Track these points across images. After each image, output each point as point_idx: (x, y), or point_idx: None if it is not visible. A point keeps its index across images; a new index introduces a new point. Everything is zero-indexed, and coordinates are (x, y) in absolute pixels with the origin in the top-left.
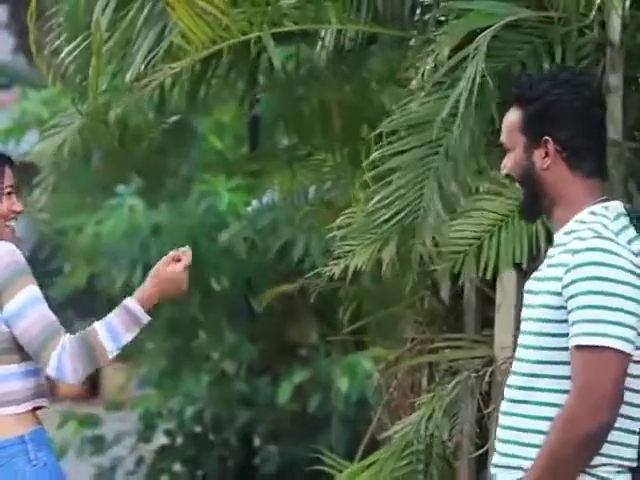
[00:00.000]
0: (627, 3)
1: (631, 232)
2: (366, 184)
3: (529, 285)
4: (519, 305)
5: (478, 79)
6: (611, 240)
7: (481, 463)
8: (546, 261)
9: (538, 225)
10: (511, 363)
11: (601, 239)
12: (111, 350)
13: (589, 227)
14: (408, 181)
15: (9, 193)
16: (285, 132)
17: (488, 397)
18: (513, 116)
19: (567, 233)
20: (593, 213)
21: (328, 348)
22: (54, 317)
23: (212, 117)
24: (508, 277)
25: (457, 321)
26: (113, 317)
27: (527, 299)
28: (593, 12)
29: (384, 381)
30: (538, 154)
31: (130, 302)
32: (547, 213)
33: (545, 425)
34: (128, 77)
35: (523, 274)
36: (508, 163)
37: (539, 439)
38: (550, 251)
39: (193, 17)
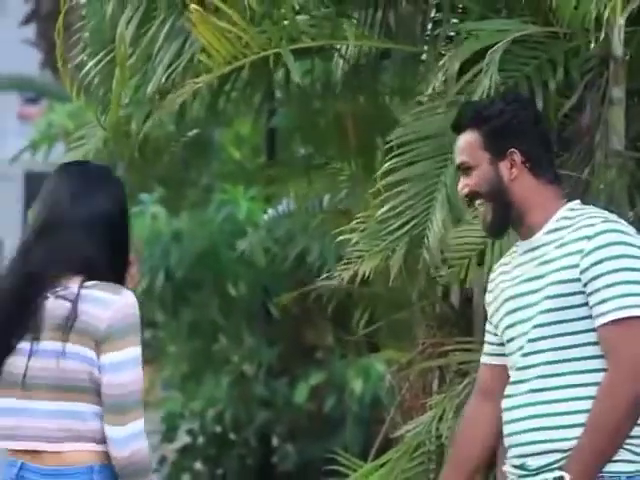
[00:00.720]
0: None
1: None
2: (378, 192)
3: (519, 289)
4: None
5: (492, 92)
6: (619, 222)
7: (490, 462)
8: (528, 266)
9: None
10: None
11: (610, 222)
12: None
13: (589, 215)
14: (418, 192)
15: None
16: (301, 143)
17: None
18: (469, 137)
19: (551, 231)
20: (572, 209)
21: (343, 351)
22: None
23: (231, 129)
24: None
25: (467, 325)
26: None
27: (521, 301)
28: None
29: (397, 383)
30: (504, 166)
31: None
32: (515, 223)
33: (572, 405)
34: (149, 90)
35: None
36: (471, 182)
37: (568, 420)
38: (529, 255)
39: (215, 34)
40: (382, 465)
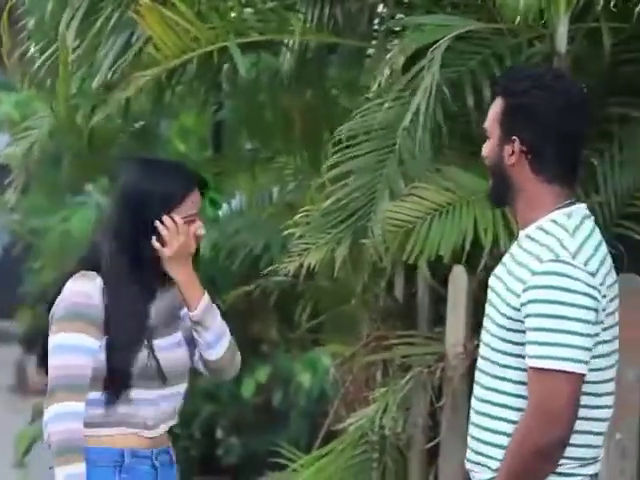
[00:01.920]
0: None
1: (591, 245)
2: (324, 186)
3: (492, 282)
4: (470, 304)
5: (433, 88)
6: (567, 263)
7: (432, 454)
8: (507, 259)
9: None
10: (462, 360)
11: (558, 263)
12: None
13: (548, 244)
14: (361, 185)
15: (192, 221)
16: (248, 136)
17: (439, 392)
18: (496, 105)
19: (528, 237)
20: (554, 222)
21: (287, 345)
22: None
23: (177, 122)
24: (459, 275)
25: (410, 319)
26: None
27: (490, 296)
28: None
29: (340, 376)
30: (507, 149)
31: None
32: (511, 205)
33: (506, 427)
34: (95, 83)
35: (474, 273)
36: (485, 149)
37: (501, 439)
38: (512, 248)
39: (163, 27)
40: (324, 456)
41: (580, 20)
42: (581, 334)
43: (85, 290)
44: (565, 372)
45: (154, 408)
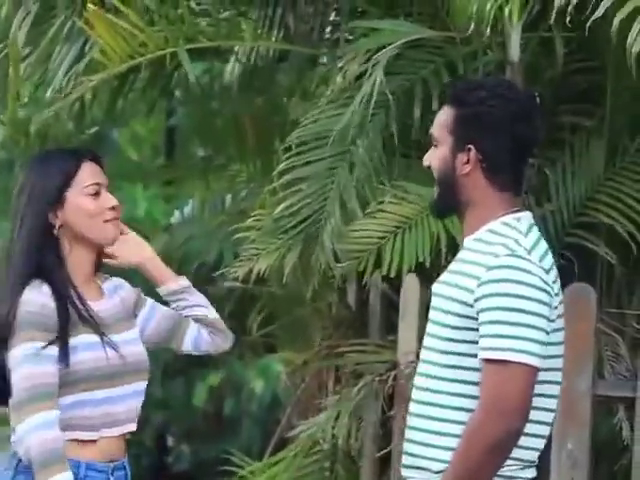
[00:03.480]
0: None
1: (542, 246)
2: (275, 191)
3: (436, 288)
4: (422, 312)
5: (374, 94)
6: (523, 258)
7: (384, 463)
8: (454, 265)
9: (440, 229)
10: (414, 368)
11: (514, 257)
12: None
13: (503, 243)
14: (313, 191)
15: (96, 193)
16: (199, 143)
17: (391, 400)
18: (445, 114)
19: (477, 240)
20: (505, 224)
21: (240, 351)
22: None
23: (128, 128)
24: (411, 284)
25: (363, 327)
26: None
27: (434, 301)
28: (498, 34)
29: (292, 383)
30: (460, 158)
31: None
32: (459, 214)
33: (451, 428)
34: (49, 91)
35: (426, 282)
36: (432, 158)
37: (445, 441)
38: (459, 254)
39: (111, 33)
40: (276, 463)
41: (532, 29)
42: (537, 328)
43: (34, 299)
44: (521, 364)
45: (112, 407)
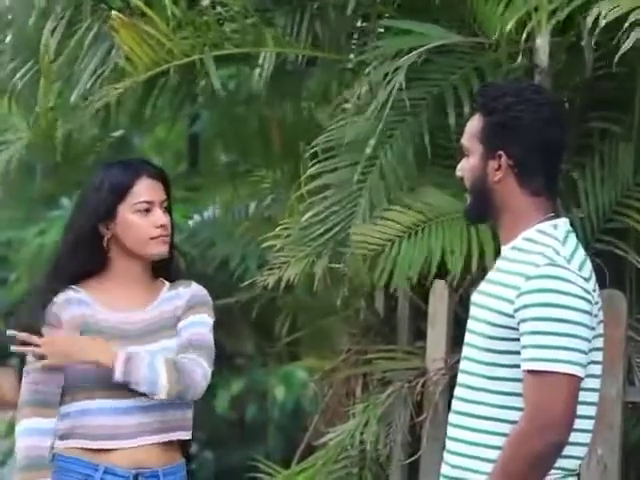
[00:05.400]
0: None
1: (581, 254)
2: (302, 198)
3: (475, 297)
4: (450, 318)
5: (403, 99)
6: (563, 267)
7: (412, 469)
8: (492, 274)
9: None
10: (443, 375)
11: (554, 267)
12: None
13: (541, 252)
14: (342, 198)
15: (147, 210)
16: (224, 149)
17: (420, 407)
18: (475, 123)
19: (514, 249)
20: (542, 232)
21: (264, 359)
22: None
23: (152, 134)
24: (440, 291)
25: (391, 333)
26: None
27: (473, 311)
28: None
29: (320, 390)
30: (491, 166)
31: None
32: (495, 222)
33: (490, 439)
34: (74, 96)
35: (455, 289)
36: (465, 166)
37: (489, 453)
38: (498, 263)
39: (137, 40)
40: (303, 470)
41: (561, 34)
42: (579, 337)
43: (52, 309)
44: (564, 374)
45: (127, 418)
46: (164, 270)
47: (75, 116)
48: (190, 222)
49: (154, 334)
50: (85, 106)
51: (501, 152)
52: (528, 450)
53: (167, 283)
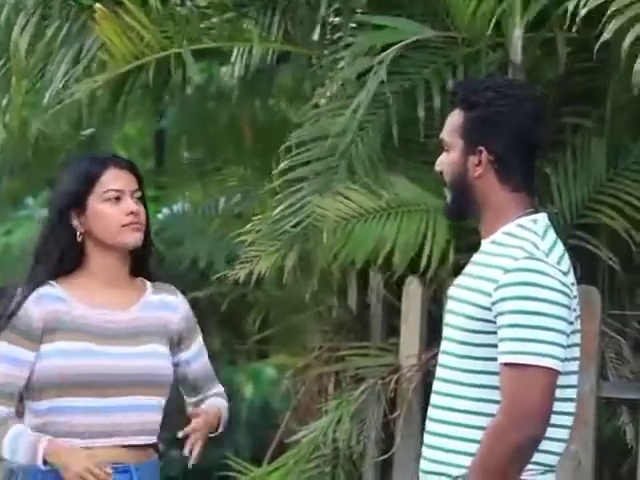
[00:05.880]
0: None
1: (560, 248)
2: (274, 193)
3: (452, 291)
4: (424, 315)
5: (372, 92)
6: (541, 261)
7: (386, 466)
8: (470, 268)
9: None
10: (416, 371)
11: (532, 260)
12: (5, 455)
13: (520, 246)
14: (313, 191)
15: (116, 198)
16: (192, 146)
17: (393, 404)
18: (456, 117)
19: (493, 243)
20: (521, 226)
21: (232, 356)
22: None
23: (118, 131)
24: (414, 288)
25: (363, 330)
26: (24, 439)
27: (450, 305)
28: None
29: (292, 387)
30: (472, 161)
31: (41, 445)
32: (476, 217)
33: (469, 433)
34: (48, 95)
35: (428, 285)
36: (444, 161)
37: (463, 446)
38: (476, 256)
39: (117, 32)
40: (277, 469)
41: (535, 29)
42: (557, 330)
43: (25, 304)
44: (541, 367)
45: (103, 417)
46: (143, 268)
47: (47, 114)
48: (159, 216)
49: (142, 337)
50: (57, 103)
51: (482, 147)
52: (505, 443)
53: (148, 284)
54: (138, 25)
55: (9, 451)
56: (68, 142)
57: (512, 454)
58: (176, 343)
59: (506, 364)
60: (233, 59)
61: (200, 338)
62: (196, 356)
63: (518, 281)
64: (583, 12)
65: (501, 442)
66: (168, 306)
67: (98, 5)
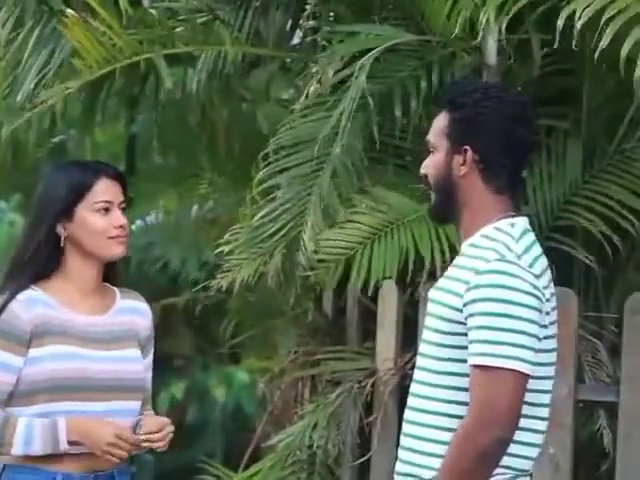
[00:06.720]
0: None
1: (535, 251)
2: (254, 201)
3: (431, 294)
4: (400, 319)
5: (358, 98)
6: (512, 263)
7: (362, 471)
8: (449, 271)
9: (409, 242)
10: (392, 375)
11: (503, 262)
12: (16, 450)
13: (493, 247)
14: (292, 196)
15: (106, 209)
16: (163, 152)
17: (369, 407)
18: (441, 119)
19: (471, 245)
20: (498, 229)
21: (204, 360)
22: None
23: (88, 136)
24: (389, 291)
25: (339, 334)
26: (39, 425)
27: (429, 307)
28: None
29: (268, 392)
30: (456, 161)
31: (61, 424)
32: (456, 220)
33: (443, 435)
34: (19, 98)
35: (404, 289)
36: (429, 163)
37: (437, 448)
38: (456, 259)
39: (88, 38)
40: (254, 475)
41: (509, 32)
42: (526, 333)
43: (12, 307)
44: (510, 370)
45: None
46: (111, 274)
47: (20, 118)
48: (133, 227)
49: (119, 342)
50: (30, 108)
51: (467, 147)
52: (473, 446)
53: (116, 289)
54: (109, 30)
55: (22, 443)
56: (39, 147)
57: (478, 457)
58: (140, 349)
59: (475, 366)
60: (202, 63)
61: (152, 352)
62: (147, 369)
63: (488, 283)
64: (579, 25)
65: (469, 445)
66: (138, 311)
67: (70, 11)
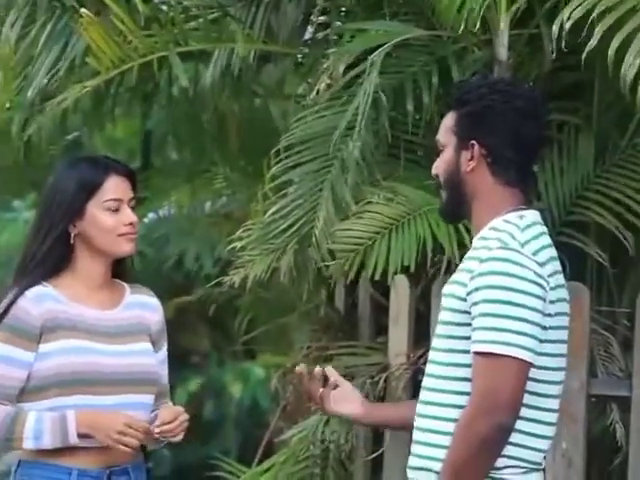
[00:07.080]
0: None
1: (542, 241)
2: (266, 196)
3: (444, 288)
4: (412, 313)
5: (371, 94)
6: (515, 251)
7: (375, 466)
8: (461, 264)
9: (427, 233)
10: (405, 370)
11: (506, 250)
12: (27, 444)
13: (497, 237)
14: (304, 192)
15: (115, 207)
16: (177, 148)
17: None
18: (449, 118)
19: (481, 238)
20: (507, 221)
21: (221, 356)
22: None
23: (103, 132)
24: (401, 286)
25: (352, 329)
26: (48, 419)
27: (442, 301)
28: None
29: (281, 387)
30: (464, 156)
31: (70, 417)
32: (467, 216)
33: (449, 426)
34: (30, 93)
35: (416, 283)
36: (439, 162)
37: (443, 440)
38: (468, 252)
39: (104, 38)
40: (267, 470)
41: (520, 26)
42: (529, 321)
43: (22, 303)
44: (512, 358)
45: None
46: (121, 271)
47: (35, 117)
48: (145, 220)
49: (129, 335)
50: (44, 107)
51: (474, 141)
52: (474, 433)
53: (126, 285)
54: (124, 28)
55: (33, 437)
56: (54, 144)
57: (479, 445)
58: (152, 344)
59: (477, 353)
60: (214, 60)
61: (166, 346)
62: (161, 363)
63: (490, 270)
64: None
65: (470, 433)
66: (148, 306)
67: (84, 10)
